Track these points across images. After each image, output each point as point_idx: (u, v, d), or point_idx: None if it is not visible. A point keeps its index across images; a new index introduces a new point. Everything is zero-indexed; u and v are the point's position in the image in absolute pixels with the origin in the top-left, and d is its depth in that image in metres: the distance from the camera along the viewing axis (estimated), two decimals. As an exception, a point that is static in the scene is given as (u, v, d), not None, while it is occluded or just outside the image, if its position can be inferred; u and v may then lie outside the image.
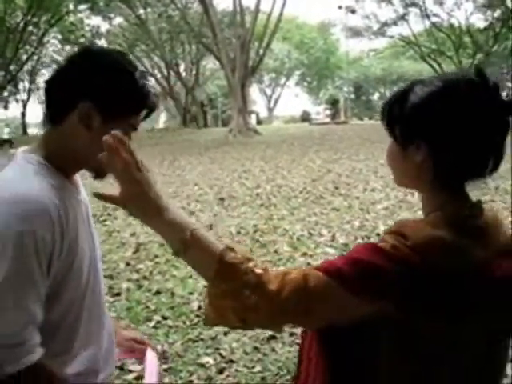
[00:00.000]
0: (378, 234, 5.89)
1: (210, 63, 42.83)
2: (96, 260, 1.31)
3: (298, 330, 3.06)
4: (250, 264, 0.90)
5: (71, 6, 30.88)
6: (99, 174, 1.21)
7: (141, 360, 1.58)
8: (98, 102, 1.11)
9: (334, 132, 22.17)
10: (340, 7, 30.25)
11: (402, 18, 30.26)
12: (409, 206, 7.18)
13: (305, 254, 5.28)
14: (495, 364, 1.02)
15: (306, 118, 44.77)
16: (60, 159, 1.17)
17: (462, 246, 0.91)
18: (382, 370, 0.94)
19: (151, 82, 1.25)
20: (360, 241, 5.70)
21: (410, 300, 0.88)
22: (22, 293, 1.05)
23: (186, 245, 0.90)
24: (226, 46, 23.14)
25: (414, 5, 29.10)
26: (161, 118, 49.24)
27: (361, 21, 33.05)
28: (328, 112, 42.19)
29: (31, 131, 39.35)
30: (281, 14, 24.45)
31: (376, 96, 51.59)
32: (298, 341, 3.28)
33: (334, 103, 42.09)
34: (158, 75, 34.66)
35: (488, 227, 0.97)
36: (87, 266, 1.24)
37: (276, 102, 53.84)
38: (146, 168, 0.92)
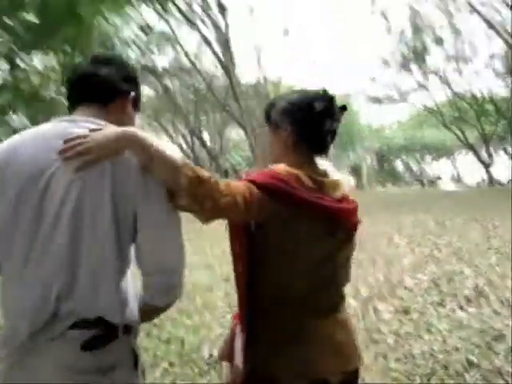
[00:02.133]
0: (405, 288, 5.55)
1: (233, 134, 43.76)
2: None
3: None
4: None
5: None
6: None
7: None
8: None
9: (356, 196, 21.92)
10: (361, 76, 30.84)
11: (422, 86, 30.64)
12: (436, 261, 6.83)
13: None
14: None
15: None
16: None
17: (304, 180, 1.52)
18: (271, 250, 1.51)
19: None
20: (384, 292, 5.36)
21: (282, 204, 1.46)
22: None
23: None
24: (250, 116, 23.55)
25: (434, 73, 29.51)
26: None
27: (381, 89, 33.35)
28: (351, 179, 42.15)
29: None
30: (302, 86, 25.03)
31: (399, 164, 51.63)
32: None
33: (356, 170, 42.14)
34: (183, 144, 35.34)
35: (327, 183, 1.58)
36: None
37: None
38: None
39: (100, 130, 1.35)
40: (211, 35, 23.71)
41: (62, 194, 1.30)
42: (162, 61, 29.32)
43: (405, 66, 29.76)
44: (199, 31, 23.94)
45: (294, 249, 1.49)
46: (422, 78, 30.48)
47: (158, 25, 26.18)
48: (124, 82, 1.53)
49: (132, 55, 30.38)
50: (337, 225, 1.56)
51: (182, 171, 1.32)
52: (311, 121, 1.58)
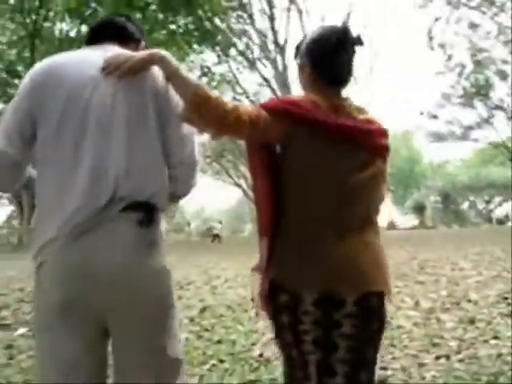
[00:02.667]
0: (469, 301, 5.23)
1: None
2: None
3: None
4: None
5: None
6: None
7: None
8: None
9: (421, 234, 21.30)
10: (422, 113, 30.33)
11: (487, 121, 29.79)
12: (505, 280, 6.42)
13: (384, 316, 4.72)
14: None
15: (391, 228, 43.53)
16: None
17: (320, 103, 1.59)
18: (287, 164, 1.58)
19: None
20: (448, 306, 5.06)
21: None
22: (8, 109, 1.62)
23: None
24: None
25: (499, 108, 28.65)
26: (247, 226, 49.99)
27: (444, 126, 32.58)
28: (415, 218, 41.03)
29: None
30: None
31: (466, 205, 49.78)
32: None
33: (420, 209, 40.98)
34: (244, 185, 35.67)
35: (347, 106, 1.64)
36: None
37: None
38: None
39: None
40: (270, 75, 24.24)
41: (110, 102, 1.56)
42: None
43: (467, 100, 29.13)
44: (258, 71, 24.54)
45: (313, 168, 1.55)
46: (485, 113, 29.69)
47: (218, 67, 27.17)
48: (136, 31, 1.83)
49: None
50: (356, 145, 1.59)
51: (192, 88, 1.50)
52: (325, 53, 1.64)
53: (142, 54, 1.62)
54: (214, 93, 1.52)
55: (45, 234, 1.53)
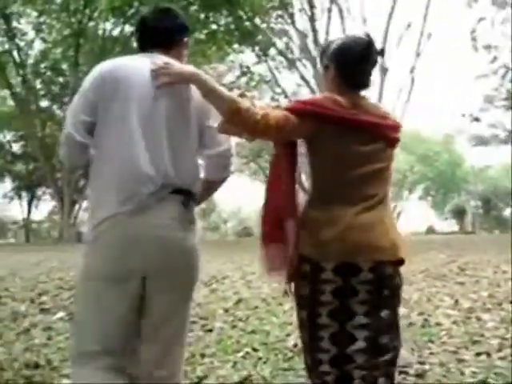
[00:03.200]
0: (511, 302, 5.05)
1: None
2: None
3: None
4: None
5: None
6: None
7: None
8: None
9: (461, 239, 20.81)
10: (463, 115, 29.57)
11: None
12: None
13: (421, 314, 4.62)
14: None
15: (431, 232, 42.56)
16: None
17: (341, 100, 1.84)
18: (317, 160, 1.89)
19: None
20: (489, 307, 4.91)
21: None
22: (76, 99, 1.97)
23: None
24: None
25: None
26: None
27: (486, 129, 31.74)
28: (455, 223, 40.10)
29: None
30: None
31: (508, 211, 48.37)
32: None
33: (460, 214, 40.00)
34: (281, 185, 35.55)
35: (365, 104, 1.91)
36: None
37: (398, 216, 52.45)
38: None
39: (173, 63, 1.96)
40: (309, 75, 24.12)
41: (153, 101, 1.90)
42: (259, 100, 30.09)
43: (511, 103, 28.29)
44: (298, 71, 24.42)
45: (339, 158, 1.84)
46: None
47: (257, 66, 27.17)
48: (179, 32, 2.08)
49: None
50: (374, 136, 1.88)
51: (226, 103, 1.77)
52: (350, 62, 1.91)
53: (184, 69, 1.93)
54: (246, 103, 1.78)
55: (103, 209, 1.85)
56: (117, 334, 1.82)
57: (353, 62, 1.90)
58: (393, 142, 1.95)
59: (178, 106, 1.94)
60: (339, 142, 1.83)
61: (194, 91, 1.93)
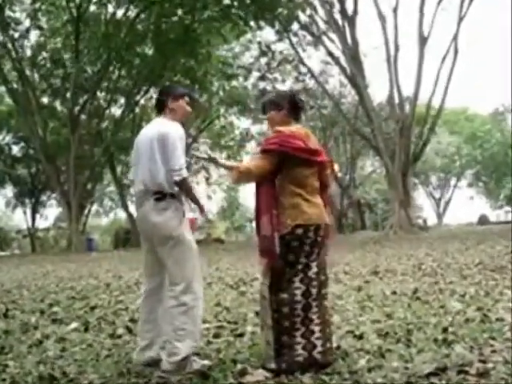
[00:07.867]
0: None
1: (367, 164, 43.23)
2: None
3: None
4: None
5: (222, 110, 33.54)
6: None
7: None
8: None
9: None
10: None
11: None
12: None
13: (479, 309, 4.57)
14: None
15: (484, 223, 41.69)
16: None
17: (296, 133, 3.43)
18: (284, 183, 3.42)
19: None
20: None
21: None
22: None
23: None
24: (384, 134, 23.12)
25: None
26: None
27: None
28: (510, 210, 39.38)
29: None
30: (443, 99, 23.94)
31: None
32: None
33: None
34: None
35: (309, 136, 3.49)
36: None
37: (446, 206, 51.83)
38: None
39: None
40: (337, 51, 23.89)
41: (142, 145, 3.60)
42: (282, 83, 29.93)
43: None
44: (325, 47, 24.11)
45: (301, 171, 3.37)
46: None
47: (278, 45, 26.92)
48: (168, 99, 3.64)
49: (251, 80, 31.65)
50: (318, 157, 3.45)
51: (233, 171, 3.42)
52: (297, 105, 3.55)
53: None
54: (244, 165, 3.45)
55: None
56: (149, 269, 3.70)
57: (298, 105, 3.56)
58: (328, 162, 3.65)
59: (151, 144, 3.51)
60: (303, 162, 3.38)
61: (161, 135, 3.46)
